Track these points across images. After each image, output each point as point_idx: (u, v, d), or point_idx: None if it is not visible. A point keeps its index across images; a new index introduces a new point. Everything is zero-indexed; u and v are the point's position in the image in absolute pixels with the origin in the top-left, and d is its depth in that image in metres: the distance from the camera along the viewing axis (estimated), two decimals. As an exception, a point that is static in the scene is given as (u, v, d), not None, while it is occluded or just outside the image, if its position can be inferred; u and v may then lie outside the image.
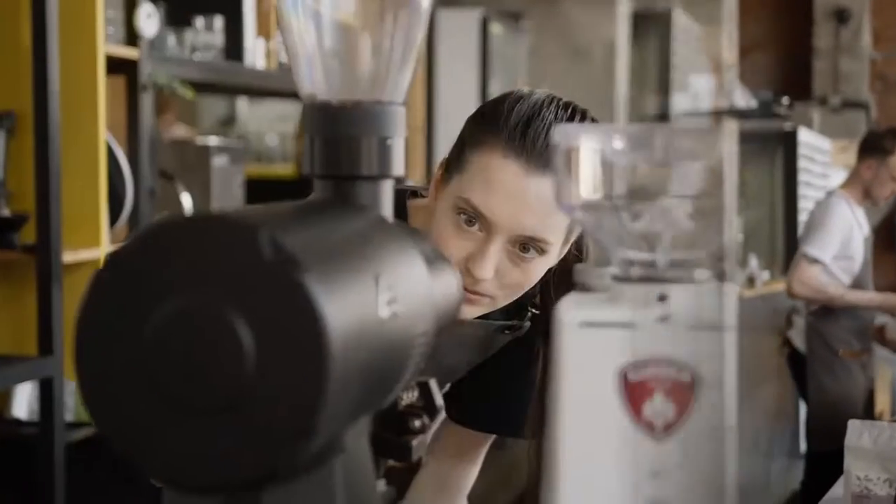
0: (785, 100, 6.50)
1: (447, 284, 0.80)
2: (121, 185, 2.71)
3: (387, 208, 0.75)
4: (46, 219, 2.38)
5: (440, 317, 0.77)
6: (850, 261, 4.51)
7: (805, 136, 6.74)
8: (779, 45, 6.97)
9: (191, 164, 3.39)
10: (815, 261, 4.42)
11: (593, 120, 1.32)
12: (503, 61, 5.56)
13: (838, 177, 7.64)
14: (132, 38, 2.84)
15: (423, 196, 1.41)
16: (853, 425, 1.82)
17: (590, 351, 0.64)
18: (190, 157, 3.41)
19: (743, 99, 5.88)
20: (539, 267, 1.29)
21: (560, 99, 1.29)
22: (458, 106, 4.35)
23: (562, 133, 0.67)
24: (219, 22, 3.34)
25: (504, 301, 1.31)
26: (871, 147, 4.54)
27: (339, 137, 0.73)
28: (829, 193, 4.75)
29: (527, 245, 1.26)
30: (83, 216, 2.59)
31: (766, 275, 5.81)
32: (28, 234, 2.47)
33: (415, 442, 0.83)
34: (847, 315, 4.53)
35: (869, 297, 4.64)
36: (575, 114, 1.29)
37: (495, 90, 5.02)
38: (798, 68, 7.91)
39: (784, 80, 7.68)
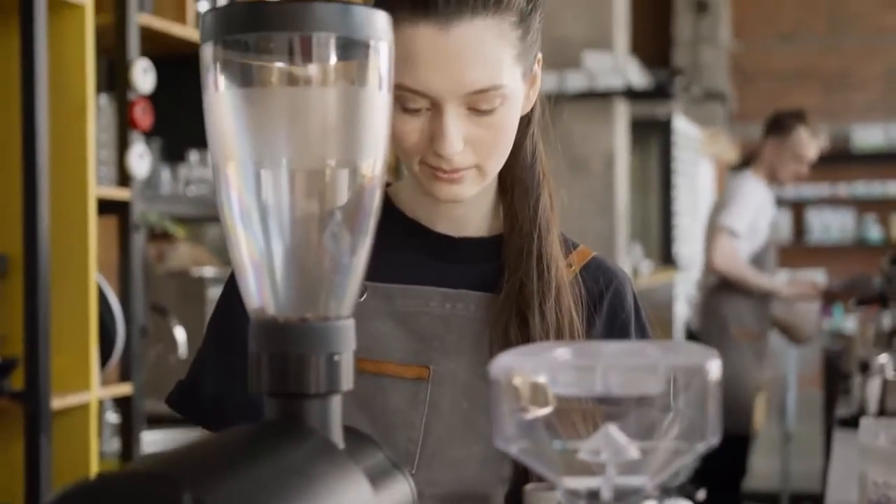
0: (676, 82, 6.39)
1: (398, 496, 0.78)
2: (112, 327, 2.69)
3: (335, 425, 0.74)
4: (35, 365, 2.36)
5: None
6: (754, 237, 4.52)
7: (679, 124, 6.72)
8: (637, 35, 6.76)
9: (187, 295, 3.38)
10: (732, 233, 4.41)
11: None
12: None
13: (706, 165, 7.66)
14: (125, 176, 2.85)
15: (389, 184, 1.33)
16: (867, 424, 1.58)
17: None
18: (186, 288, 3.40)
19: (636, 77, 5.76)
20: (507, 116, 1.20)
21: None
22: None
23: (501, 364, 0.66)
24: (213, 155, 3.36)
25: (492, 167, 1.22)
26: (773, 127, 4.62)
27: (285, 355, 0.72)
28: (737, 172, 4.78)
29: (482, 105, 1.16)
30: (73, 360, 2.57)
31: (647, 264, 5.85)
32: (17, 380, 2.45)
33: None
34: (744, 294, 4.48)
35: (779, 285, 4.65)
36: None
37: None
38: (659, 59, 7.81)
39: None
